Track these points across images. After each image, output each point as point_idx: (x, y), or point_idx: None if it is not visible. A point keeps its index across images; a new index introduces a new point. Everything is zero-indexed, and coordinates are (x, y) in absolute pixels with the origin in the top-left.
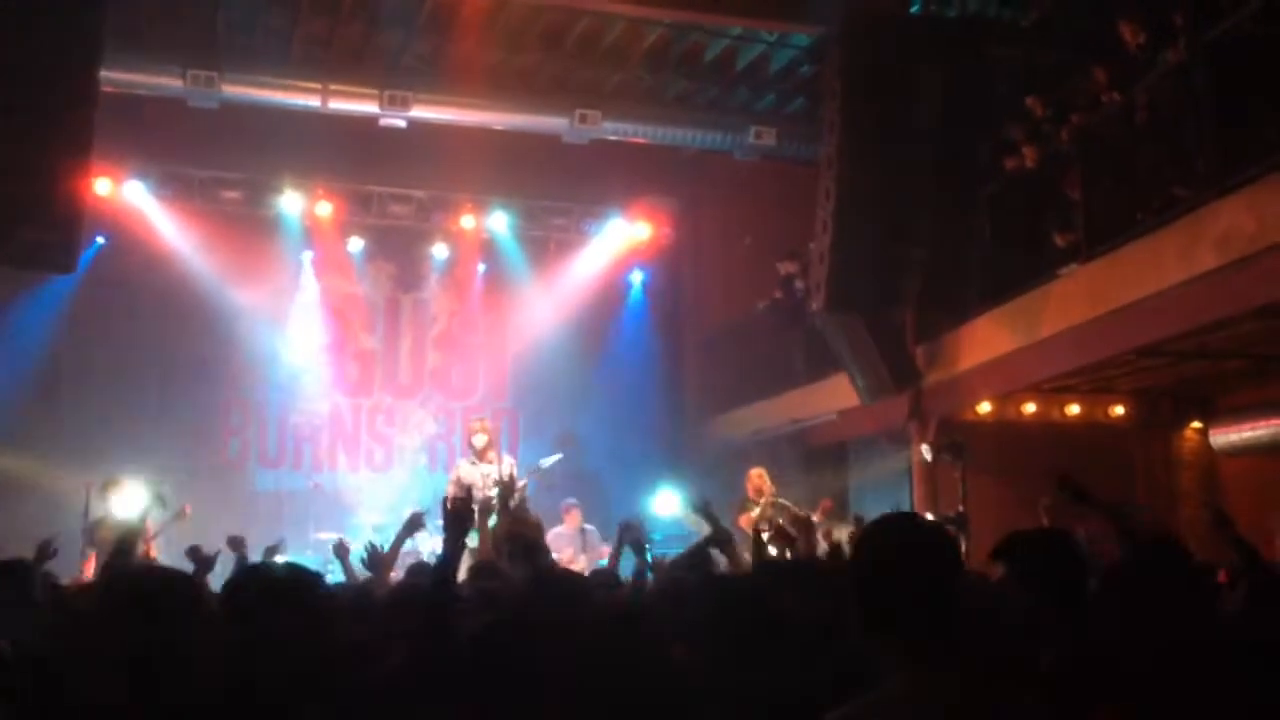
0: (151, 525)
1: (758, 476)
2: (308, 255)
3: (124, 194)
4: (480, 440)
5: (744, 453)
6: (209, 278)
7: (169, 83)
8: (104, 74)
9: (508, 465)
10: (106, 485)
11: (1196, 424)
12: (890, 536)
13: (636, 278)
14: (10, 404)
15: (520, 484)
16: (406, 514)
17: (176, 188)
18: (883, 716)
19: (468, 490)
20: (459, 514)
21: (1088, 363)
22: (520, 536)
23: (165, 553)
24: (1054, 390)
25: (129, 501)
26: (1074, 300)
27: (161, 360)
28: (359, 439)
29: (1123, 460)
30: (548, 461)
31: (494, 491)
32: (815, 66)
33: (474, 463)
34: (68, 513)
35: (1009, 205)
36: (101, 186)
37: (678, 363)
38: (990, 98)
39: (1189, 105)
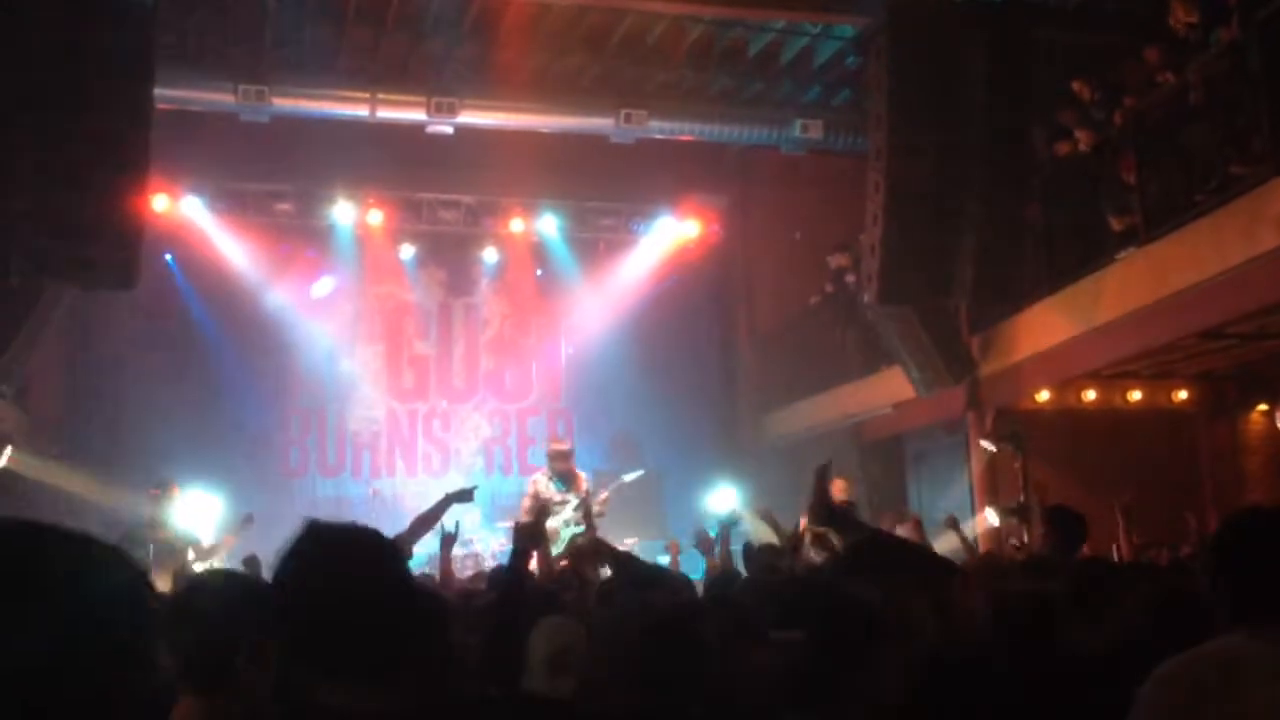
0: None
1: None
2: (360, 264)
3: (181, 210)
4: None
5: (799, 448)
6: (265, 289)
7: (221, 98)
8: (157, 91)
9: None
10: (162, 489)
11: (1262, 407)
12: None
13: (687, 276)
14: (76, 416)
15: (602, 497)
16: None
17: (231, 202)
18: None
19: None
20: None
21: (1149, 348)
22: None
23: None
24: (1114, 376)
25: (187, 509)
26: (1133, 284)
27: (221, 372)
28: (415, 444)
29: (1187, 446)
30: (630, 477)
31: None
32: (860, 57)
33: (550, 478)
34: (131, 520)
35: (1062, 190)
36: (159, 203)
37: (731, 360)
38: (1040, 83)
39: (1243, 84)
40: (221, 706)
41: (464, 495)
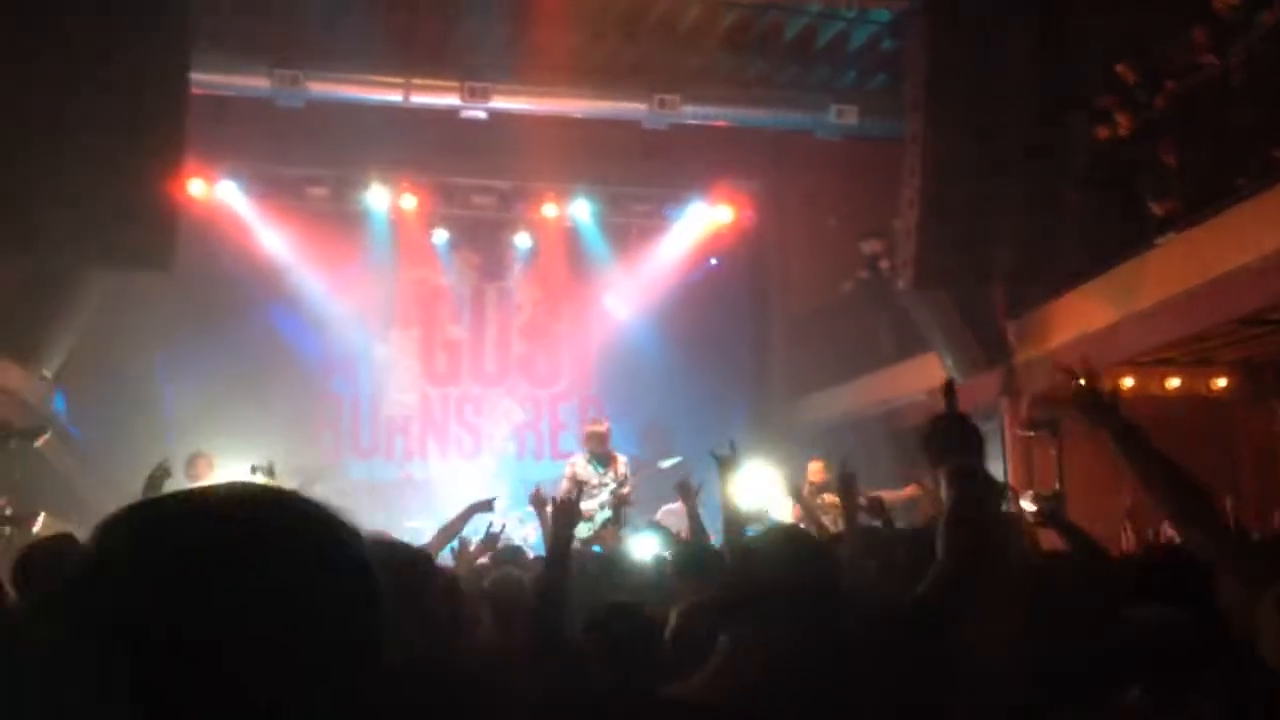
0: None
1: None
2: (394, 248)
3: (216, 194)
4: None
5: (833, 435)
6: (300, 273)
7: (256, 83)
8: (193, 76)
9: (622, 466)
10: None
11: None
12: None
13: (720, 261)
14: (111, 400)
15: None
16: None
17: (266, 187)
18: None
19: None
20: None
21: (1188, 334)
22: None
23: None
24: (1153, 363)
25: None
26: (1173, 270)
27: (256, 356)
28: (448, 428)
29: (1226, 434)
30: (667, 464)
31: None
32: (896, 41)
33: (589, 460)
34: None
35: (1102, 175)
36: (195, 187)
37: (764, 346)
38: (1080, 65)
39: None
40: None
41: (486, 506)
